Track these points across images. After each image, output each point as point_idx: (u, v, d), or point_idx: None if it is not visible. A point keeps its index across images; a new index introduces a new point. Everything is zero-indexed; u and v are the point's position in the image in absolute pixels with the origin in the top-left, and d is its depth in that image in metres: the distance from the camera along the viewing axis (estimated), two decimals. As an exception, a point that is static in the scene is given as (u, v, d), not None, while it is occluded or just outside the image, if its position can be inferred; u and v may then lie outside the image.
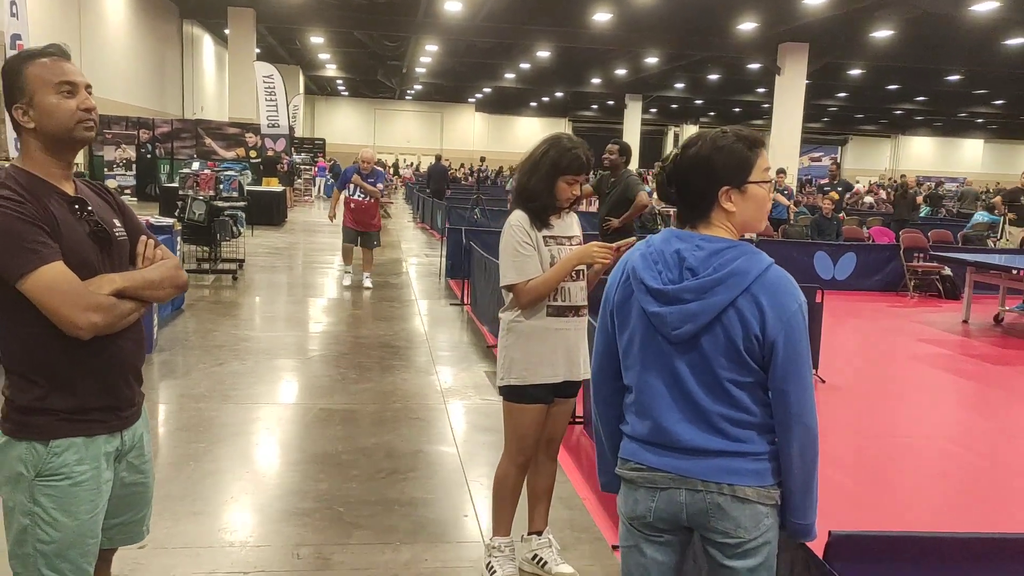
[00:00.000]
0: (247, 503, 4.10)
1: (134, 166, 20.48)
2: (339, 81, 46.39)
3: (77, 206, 2.06)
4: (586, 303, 3.23)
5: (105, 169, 19.44)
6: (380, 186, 10.19)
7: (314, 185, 29.04)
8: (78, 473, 2.02)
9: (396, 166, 44.11)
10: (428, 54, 31.64)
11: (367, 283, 10.47)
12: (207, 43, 33.04)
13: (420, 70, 36.96)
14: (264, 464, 4.68)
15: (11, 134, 11.83)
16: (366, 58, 35.60)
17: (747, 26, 23.17)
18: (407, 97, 50.48)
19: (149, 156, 20.39)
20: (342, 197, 10.38)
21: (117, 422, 2.12)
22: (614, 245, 3.07)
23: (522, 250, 3.08)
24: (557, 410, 3.30)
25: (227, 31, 25.86)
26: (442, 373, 6.67)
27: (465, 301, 9.57)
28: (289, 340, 7.66)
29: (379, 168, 10.61)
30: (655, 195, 7.96)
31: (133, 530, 2.26)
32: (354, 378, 6.39)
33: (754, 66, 29.06)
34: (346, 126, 52.07)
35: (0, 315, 2.00)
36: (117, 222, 2.17)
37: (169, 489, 4.04)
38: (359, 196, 10.05)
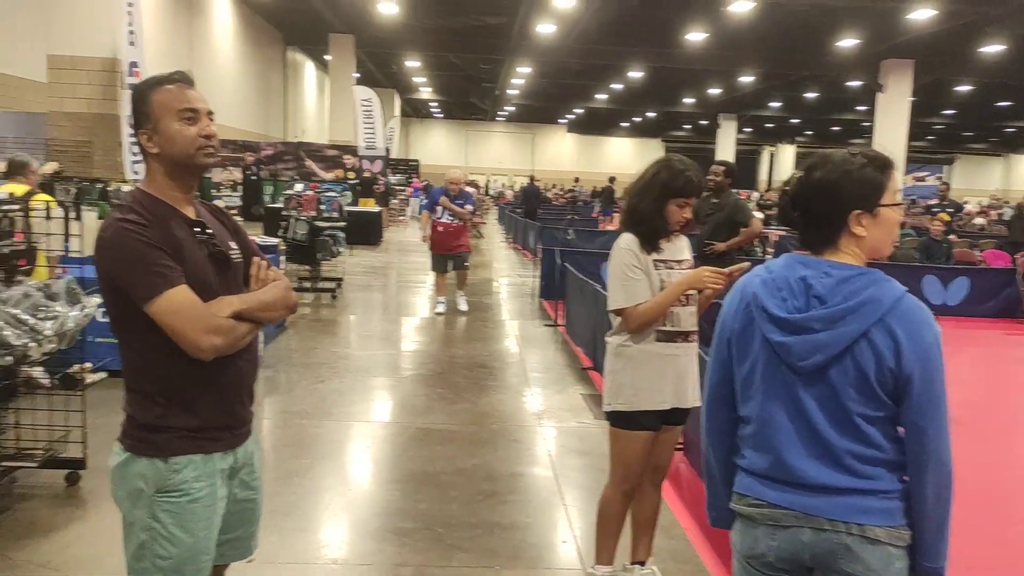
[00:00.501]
0: (349, 520, 4.15)
1: (240, 187, 21.23)
2: (433, 104, 47.25)
3: (197, 229, 2.11)
4: (696, 328, 3.15)
5: (213, 190, 20.22)
6: (469, 207, 9.85)
7: (408, 205, 29.55)
8: (196, 490, 2.05)
9: (487, 187, 44.53)
10: (520, 76, 31.92)
11: (462, 305, 10.21)
12: (309, 68, 34.19)
13: (512, 92, 37.31)
14: (365, 482, 4.73)
15: (128, 157, 12.45)
16: (460, 81, 36.20)
17: (848, 43, 22.56)
18: (499, 118, 51.02)
19: (254, 178, 21.10)
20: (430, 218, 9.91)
21: (232, 440, 2.15)
22: (726, 270, 2.99)
23: (631, 274, 3.03)
24: (664, 438, 3.22)
25: (328, 57, 26.71)
26: (537, 394, 6.64)
27: (559, 322, 9.52)
28: (385, 359, 7.76)
29: (468, 189, 10.25)
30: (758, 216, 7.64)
31: (243, 545, 2.29)
32: (450, 398, 6.42)
33: (855, 84, 28.24)
34: (439, 147, 52.94)
35: (125, 335, 2.06)
36: (233, 244, 2.21)
37: (275, 504, 4.11)
38: (447, 219, 9.65)
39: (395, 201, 26.98)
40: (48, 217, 4.54)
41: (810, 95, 33.83)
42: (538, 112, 46.38)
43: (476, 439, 5.45)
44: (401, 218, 27.69)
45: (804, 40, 22.68)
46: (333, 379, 6.80)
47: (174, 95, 2.07)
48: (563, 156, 53.85)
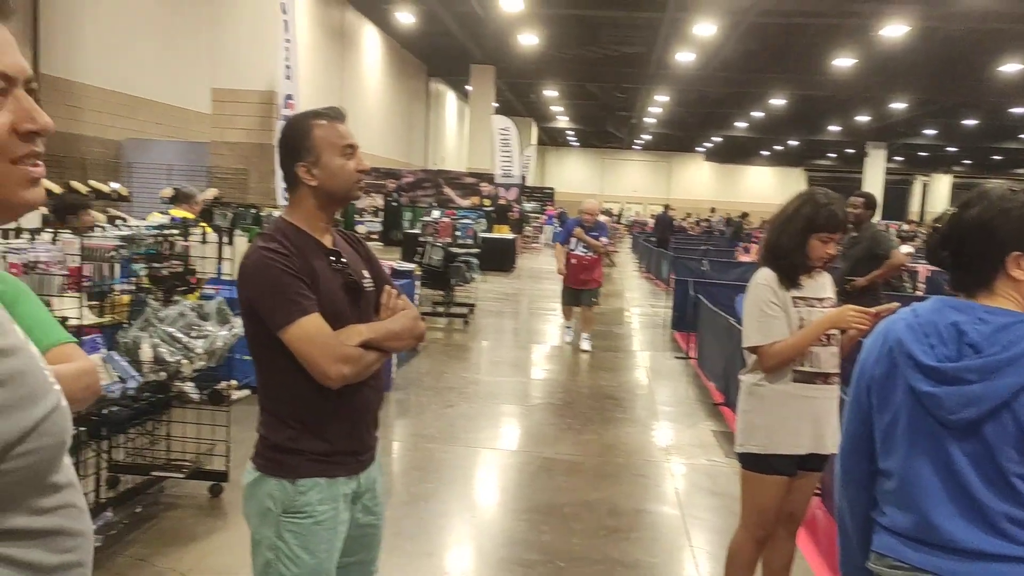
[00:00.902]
0: (473, 548, 4.17)
1: (381, 213, 22.01)
2: (569, 132, 47.66)
3: (333, 258, 2.18)
4: (838, 370, 2.99)
5: (356, 215, 21.07)
6: (604, 240, 9.44)
7: (542, 232, 29.79)
8: (320, 512, 2.10)
9: (621, 215, 44.31)
10: (657, 104, 31.75)
11: (584, 345, 9.52)
12: (450, 98, 35.24)
13: (649, 120, 37.15)
14: (489, 510, 4.75)
15: (280, 184, 13.13)
16: (596, 109, 36.39)
17: (1011, 68, 21.22)
18: (635, 147, 50.84)
19: (395, 204, 21.82)
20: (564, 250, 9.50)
21: (356, 465, 2.19)
22: (872, 310, 2.82)
23: (768, 310, 2.91)
24: (800, 484, 3.05)
25: (468, 87, 27.44)
26: (665, 429, 6.49)
27: (691, 355, 9.31)
28: (513, 386, 7.80)
29: (603, 220, 9.88)
30: (902, 249, 7.16)
31: (365, 570, 2.32)
32: (577, 428, 6.37)
33: (1018, 110, 26.48)
34: (574, 175, 53.24)
35: (261, 358, 2.15)
36: (366, 272, 2.27)
37: (402, 527, 4.18)
38: (582, 251, 9.26)
39: (529, 228, 27.28)
40: (204, 241, 4.85)
41: (968, 122, 31.99)
42: (675, 140, 45.95)
43: (601, 472, 5.38)
44: (535, 245, 27.94)
45: (962, 65, 21.51)
46: (462, 404, 6.89)
47: (334, 131, 2.15)
48: (700, 185, 53.02)
